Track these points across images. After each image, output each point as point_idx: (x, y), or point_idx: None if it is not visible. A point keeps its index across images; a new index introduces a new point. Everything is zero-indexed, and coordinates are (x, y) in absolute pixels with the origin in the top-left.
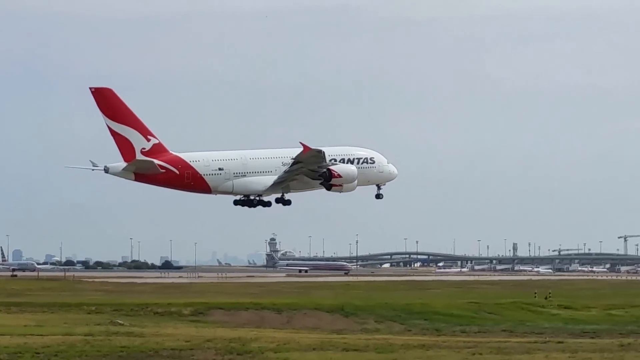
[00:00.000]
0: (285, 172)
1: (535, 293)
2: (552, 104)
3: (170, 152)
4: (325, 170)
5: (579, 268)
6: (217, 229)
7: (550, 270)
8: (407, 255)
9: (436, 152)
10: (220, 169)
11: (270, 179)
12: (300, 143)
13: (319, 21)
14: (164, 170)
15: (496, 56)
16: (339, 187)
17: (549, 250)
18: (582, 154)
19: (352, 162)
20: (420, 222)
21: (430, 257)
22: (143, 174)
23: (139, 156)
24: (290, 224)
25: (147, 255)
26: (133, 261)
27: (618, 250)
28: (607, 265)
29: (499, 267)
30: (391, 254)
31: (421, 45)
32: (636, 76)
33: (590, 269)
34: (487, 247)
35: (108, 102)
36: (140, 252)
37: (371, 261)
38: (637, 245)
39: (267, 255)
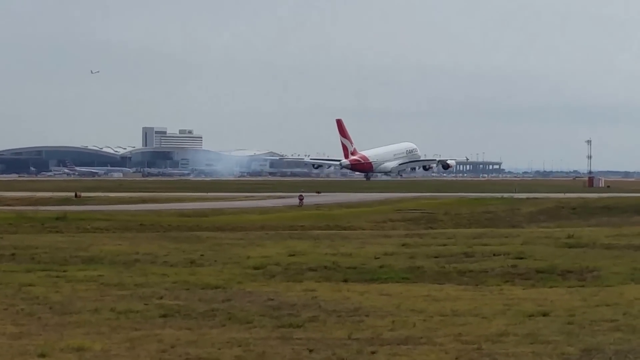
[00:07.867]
0: (415, 162)
1: None
2: None
3: (358, 151)
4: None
5: None
6: None
7: None
8: None
9: None
10: (376, 160)
11: (390, 164)
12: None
13: None
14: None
15: None
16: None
17: None
18: None
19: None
20: None
21: None
22: (355, 165)
23: (350, 157)
24: None
25: None
26: None
27: None
28: None
29: None
30: None
31: None
32: None
33: None
34: None
35: (340, 127)
36: None
37: None
38: None
39: None
